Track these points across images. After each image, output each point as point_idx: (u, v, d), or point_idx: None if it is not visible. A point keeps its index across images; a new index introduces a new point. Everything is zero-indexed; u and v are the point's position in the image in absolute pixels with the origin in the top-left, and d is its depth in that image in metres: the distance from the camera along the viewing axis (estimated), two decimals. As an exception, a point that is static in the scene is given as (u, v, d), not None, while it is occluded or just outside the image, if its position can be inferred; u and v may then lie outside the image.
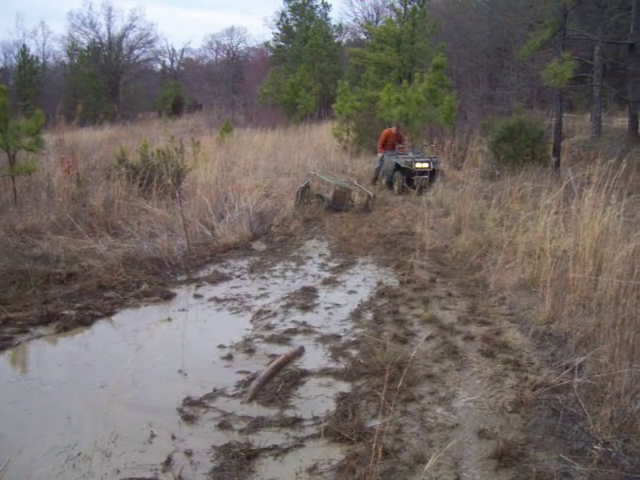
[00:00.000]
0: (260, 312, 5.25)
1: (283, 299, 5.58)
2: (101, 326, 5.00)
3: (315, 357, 4.29)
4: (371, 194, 9.70)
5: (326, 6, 39.89)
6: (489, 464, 2.92)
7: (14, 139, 8.34)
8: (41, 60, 42.81)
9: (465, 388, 3.71)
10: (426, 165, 10.75)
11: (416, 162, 10.73)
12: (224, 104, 32.73)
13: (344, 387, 3.80)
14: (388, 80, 19.37)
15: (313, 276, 6.36)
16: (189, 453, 3.09)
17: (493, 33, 24.43)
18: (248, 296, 5.70)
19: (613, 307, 3.97)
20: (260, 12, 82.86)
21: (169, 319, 5.14)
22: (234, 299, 5.62)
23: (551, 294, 4.70)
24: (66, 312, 5.13)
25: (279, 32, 41.95)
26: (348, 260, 6.95)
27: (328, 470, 2.93)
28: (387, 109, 14.66)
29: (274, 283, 6.13)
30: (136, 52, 42.57)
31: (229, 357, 4.31)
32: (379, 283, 6.00)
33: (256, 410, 3.54)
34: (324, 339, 4.60)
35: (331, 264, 6.82)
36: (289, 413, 3.48)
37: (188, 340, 4.72)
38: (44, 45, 68.32)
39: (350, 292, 5.80)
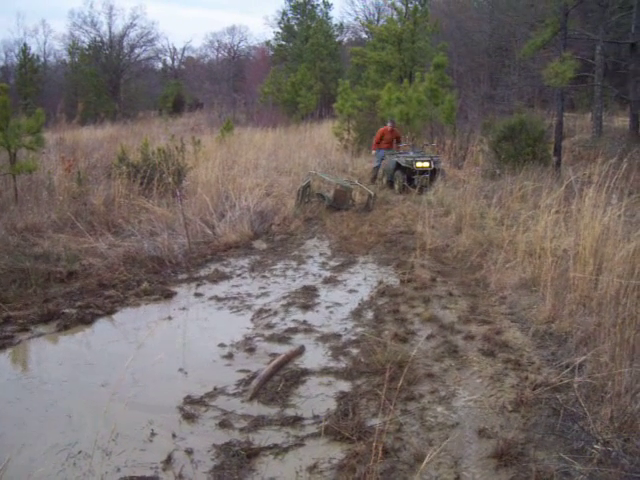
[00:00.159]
0: (261, 311, 5.25)
1: (284, 298, 5.58)
2: (102, 325, 5.00)
3: (315, 356, 4.29)
4: (372, 193, 9.70)
5: (327, 5, 39.90)
6: (489, 463, 2.93)
7: (15, 138, 8.35)
8: (42, 59, 42.89)
9: (465, 387, 3.71)
10: (427, 164, 10.74)
11: (417, 161, 10.72)
12: (225, 103, 32.74)
13: (344, 386, 3.81)
14: (389, 79, 19.36)
15: (314, 275, 6.36)
16: (189, 451, 3.09)
17: (494, 32, 24.42)
18: (249, 295, 5.70)
19: (613, 306, 3.97)
20: (261, 11, 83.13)
21: (170, 318, 5.15)
22: (235, 298, 5.62)
23: (551, 293, 4.71)
24: (67, 310, 5.14)
25: (280, 31, 41.94)
26: (349, 259, 6.95)
27: (328, 469, 2.94)
28: (388, 108, 14.65)
29: (275, 282, 6.13)
30: (137, 51, 42.60)
31: (230, 356, 4.31)
32: (380, 282, 6.00)
33: (256, 409, 3.54)
34: (325, 338, 4.60)
35: (332, 263, 6.82)
36: (289, 412, 3.49)
37: (189, 339, 4.73)
38: (45, 44, 68.44)
39: (351, 291, 5.81)
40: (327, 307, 5.34)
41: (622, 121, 18.41)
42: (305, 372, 4.00)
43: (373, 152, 12.50)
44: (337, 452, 3.07)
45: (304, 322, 4.96)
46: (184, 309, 5.37)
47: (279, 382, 3.84)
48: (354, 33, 43.38)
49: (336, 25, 41.57)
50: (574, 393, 3.44)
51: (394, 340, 4.41)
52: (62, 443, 3.17)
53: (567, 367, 3.72)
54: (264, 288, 5.92)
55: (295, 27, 40.78)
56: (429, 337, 4.49)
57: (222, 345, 4.49)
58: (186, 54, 55.37)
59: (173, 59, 54.32)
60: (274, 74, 31.70)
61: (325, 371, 4.02)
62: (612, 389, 3.25)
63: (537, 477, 2.76)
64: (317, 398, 3.66)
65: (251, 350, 4.41)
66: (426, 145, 13.57)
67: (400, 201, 10.16)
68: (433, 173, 10.68)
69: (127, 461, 3.01)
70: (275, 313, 5.19)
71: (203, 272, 6.46)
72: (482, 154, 12.98)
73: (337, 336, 4.64)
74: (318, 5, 40.10)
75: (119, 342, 4.63)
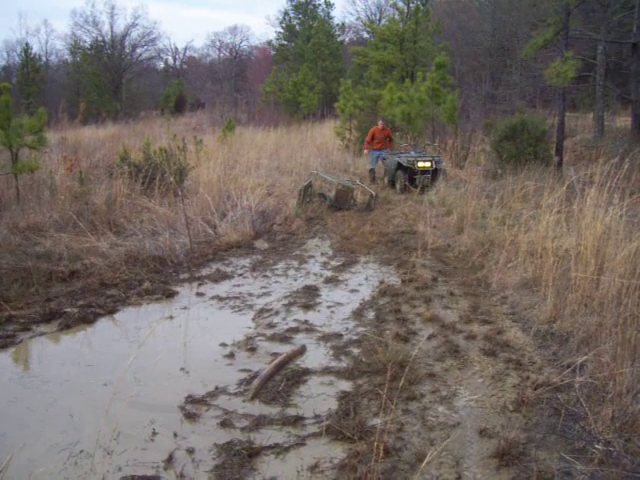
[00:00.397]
0: (262, 310, 5.25)
1: (285, 297, 5.58)
2: (103, 324, 5.01)
3: (317, 356, 4.29)
4: (373, 193, 9.70)
5: (329, 5, 39.97)
6: (490, 463, 2.92)
7: (17, 137, 8.37)
8: (44, 58, 43.00)
9: (467, 387, 3.71)
10: (428, 164, 10.74)
11: (419, 161, 10.72)
12: (227, 102, 32.77)
13: (346, 386, 3.80)
14: (391, 79, 19.34)
15: (315, 275, 6.37)
16: (191, 451, 3.09)
17: (496, 32, 24.42)
18: (250, 294, 5.71)
19: (615, 306, 3.97)
20: (263, 11, 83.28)
21: (171, 317, 5.15)
22: (236, 297, 5.63)
23: (553, 293, 4.70)
24: (68, 310, 5.15)
25: (282, 31, 42.00)
26: (350, 259, 6.95)
27: (329, 468, 2.94)
28: (389, 108, 14.65)
29: (276, 282, 6.14)
30: (139, 50, 42.72)
31: (231, 355, 4.31)
32: (381, 282, 6.00)
33: (258, 408, 3.55)
34: (326, 338, 4.60)
35: (333, 263, 6.83)
36: (291, 411, 3.49)
37: (190, 338, 4.73)
38: (47, 43, 68.48)
39: (352, 291, 5.81)
40: (328, 307, 5.34)
41: (624, 121, 18.37)
42: (306, 372, 4.00)
43: (365, 152, 12.53)
44: (338, 452, 3.07)
45: (305, 322, 4.96)
46: (185, 308, 5.38)
47: (280, 382, 3.84)
48: (356, 33, 43.49)
49: (338, 25, 41.74)
50: (575, 393, 3.43)
51: (395, 340, 4.41)
52: (63, 442, 3.17)
53: (568, 367, 3.71)
54: (265, 288, 5.92)
55: (297, 27, 40.84)
56: (430, 337, 4.49)
57: (223, 344, 4.49)
58: (188, 54, 55.57)
59: (175, 59, 54.44)
60: (276, 74, 31.72)
61: (326, 371, 4.02)
62: (613, 389, 3.25)
63: (538, 477, 2.76)
64: (318, 398, 3.66)
65: (252, 349, 4.41)
66: (428, 145, 13.57)
67: (402, 201, 10.17)
68: (435, 173, 10.68)
69: (128, 460, 3.01)
70: (276, 313, 5.19)
71: (205, 272, 6.46)
72: (484, 154, 12.97)
73: (338, 336, 4.64)
74: (320, 5, 40.19)
75: (121, 341, 4.63)
